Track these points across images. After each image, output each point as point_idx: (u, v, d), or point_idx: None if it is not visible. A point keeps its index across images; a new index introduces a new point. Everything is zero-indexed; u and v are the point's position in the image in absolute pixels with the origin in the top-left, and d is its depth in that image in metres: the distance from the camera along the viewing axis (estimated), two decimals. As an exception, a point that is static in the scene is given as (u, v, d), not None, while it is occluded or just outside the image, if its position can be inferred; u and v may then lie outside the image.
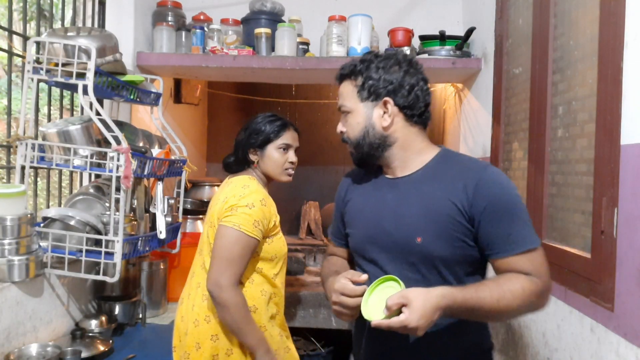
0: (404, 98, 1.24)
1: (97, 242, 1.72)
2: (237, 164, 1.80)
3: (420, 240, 1.20)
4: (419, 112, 1.26)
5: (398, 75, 1.24)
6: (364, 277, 1.18)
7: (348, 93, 1.29)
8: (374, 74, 1.25)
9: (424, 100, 1.27)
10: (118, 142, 1.69)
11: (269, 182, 1.81)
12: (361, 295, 1.15)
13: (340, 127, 1.33)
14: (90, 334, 1.77)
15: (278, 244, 1.72)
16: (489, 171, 1.21)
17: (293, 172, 1.81)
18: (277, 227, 1.73)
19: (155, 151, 2.04)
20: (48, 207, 2.15)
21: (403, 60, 1.27)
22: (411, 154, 1.28)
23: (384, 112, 1.24)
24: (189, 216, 2.83)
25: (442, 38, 2.49)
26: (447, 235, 1.18)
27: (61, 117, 2.20)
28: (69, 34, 1.77)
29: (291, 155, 1.78)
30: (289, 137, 1.77)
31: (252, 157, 1.76)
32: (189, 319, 1.68)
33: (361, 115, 1.27)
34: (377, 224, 1.28)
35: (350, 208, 1.38)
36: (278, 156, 1.75)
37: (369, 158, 1.30)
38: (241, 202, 1.61)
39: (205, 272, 1.64)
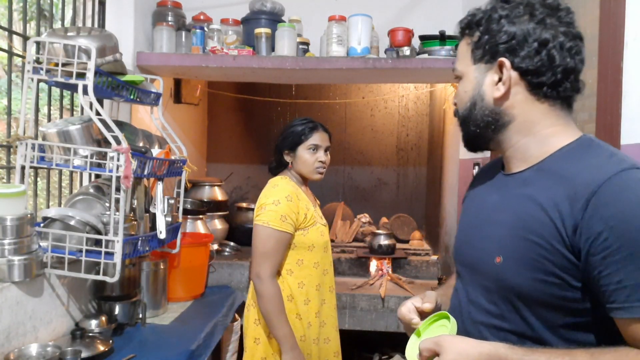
0: (528, 59, 0.88)
1: (97, 242, 1.72)
2: (277, 166, 1.98)
3: (500, 262, 0.88)
4: (552, 81, 0.88)
5: (526, 26, 0.88)
6: (427, 306, 1.02)
7: (462, 53, 0.97)
8: (494, 25, 0.90)
9: (564, 64, 0.87)
10: (118, 142, 1.69)
11: (305, 181, 1.96)
12: (414, 327, 1.01)
13: (454, 99, 1.02)
14: (90, 334, 1.77)
15: (314, 234, 1.86)
16: (621, 177, 0.79)
17: (324, 170, 1.92)
18: (311, 219, 1.86)
19: (155, 151, 2.04)
20: (48, 207, 2.14)
21: (540, 6, 0.89)
22: (532, 140, 0.92)
23: (499, 79, 0.91)
24: (189, 216, 2.84)
25: (442, 38, 2.49)
26: (533, 262, 0.83)
27: (61, 117, 2.20)
28: (69, 34, 1.77)
29: (320, 155, 1.89)
30: (317, 138, 1.89)
31: (287, 158, 1.93)
32: (246, 306, 1.92)
33: (470, 81, 0.95)
34: (469, 232, 1.02)
35: (464, 203, 1.12)
36: (308, 156, 1.88)
37: (478, 140, 0.99)
38: (268, 201, 1.79)
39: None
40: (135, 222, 1.87)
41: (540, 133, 0.92)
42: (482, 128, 0.95)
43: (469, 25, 0.96)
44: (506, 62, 0.90)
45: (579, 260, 0.80)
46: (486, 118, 0.94)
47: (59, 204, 2.16)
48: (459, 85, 0.98)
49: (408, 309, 1.04)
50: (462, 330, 0.95)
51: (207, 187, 3.25)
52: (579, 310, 0.83)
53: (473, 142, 1.01)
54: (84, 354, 1.61)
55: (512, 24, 0.89)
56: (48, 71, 1.69)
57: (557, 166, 0.88)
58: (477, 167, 2.58)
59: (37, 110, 1.91)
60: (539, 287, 0.83)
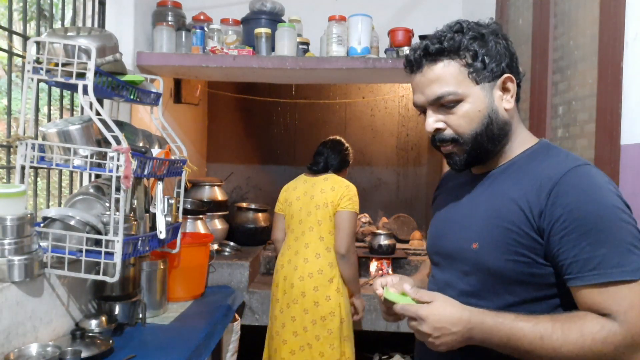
0: (518, 73, 1.03)
1: (97, 242, 1.72)
2: (338, 168, 2.57)
3: (476, 247, 1.01)
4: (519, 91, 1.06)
5: (506, 45, 1.02)
6: (407, 287, 1.07)
7: (454, 75, 1.00)
8: (486, 47, 0.99)
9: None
10: (118, 142, 1.68)
11: None
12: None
13: (435, 124, 1.03)
14: (90, 334, 1.77)
15: None
16: (577, 171, 0.94)
17: None
18: None
19: (155, 151, 2.04)
20: (48, 207, 2.14)
21: (500, 30, 1.04)
22: (512, 144, 1.05)
23: (504, 93, 1.02)
24: (189, 216, 2.83)
25: (442, 38, 2.49)
26: (506, 245, 0.97)
27: (61, 117, 2.20)
28: (69, 34, 1.77)
29: None
30: None
31: (346, 170, 2.64)
32: (309, 268, 2.39)
33: (481, 100, 1.00)
34: (444, 225, 1.14)
35: (435, 204, 1.25)
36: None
37: (483, 156, 1.05)
38: (351, 193, 2.43)
39: (321, 241, 2.42)
40: (135, 222, 1.87)
41: (518, 137, 1.06)
42: (494, 142, 1.03)
43: (458, 47, 1.00)
44: (512, 77, 1.02)
45: (543, 240, 0.94)
46: (499, 131, 1.02)
47: (59, 204, 2.16)
48: (462, 108, 1.00)
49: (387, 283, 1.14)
50: None
51: (207, 187, 3.25)
52: (545, 285, 0.96)
53: (476, 160, 1.05)
54: (84, 354, 1.60)
55: (497, 43, 1.01)
56: (48, 71, 1.69)
57: (524, 165, 1.03)
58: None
59: (37, 110, 1.91)
60: (510, 266, 0.97)
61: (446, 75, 1.00)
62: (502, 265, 0.97)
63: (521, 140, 1.06)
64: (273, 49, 2.58)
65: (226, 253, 3.05)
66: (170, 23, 2.62)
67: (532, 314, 0.94)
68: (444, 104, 1.01)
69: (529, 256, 0.95)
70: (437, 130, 1.03)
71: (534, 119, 1.88)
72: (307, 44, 2.64)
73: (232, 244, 3.16)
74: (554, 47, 1.77)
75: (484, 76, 1.00)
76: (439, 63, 1.00)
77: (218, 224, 3.19)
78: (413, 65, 1.04)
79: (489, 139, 1.02)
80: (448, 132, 1.03)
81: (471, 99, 1.00)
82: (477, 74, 0.99)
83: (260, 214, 3.43)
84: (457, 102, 1.00)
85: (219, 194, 3.28)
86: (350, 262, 2.39)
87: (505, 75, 1.01)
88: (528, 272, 0.96)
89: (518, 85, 1.04)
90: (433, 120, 1.03)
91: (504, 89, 1.02)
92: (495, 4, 2.33)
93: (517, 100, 1.06)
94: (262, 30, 2.55)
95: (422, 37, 2.59)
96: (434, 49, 1.00)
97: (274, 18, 2.64)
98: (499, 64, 1.00)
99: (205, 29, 2.58)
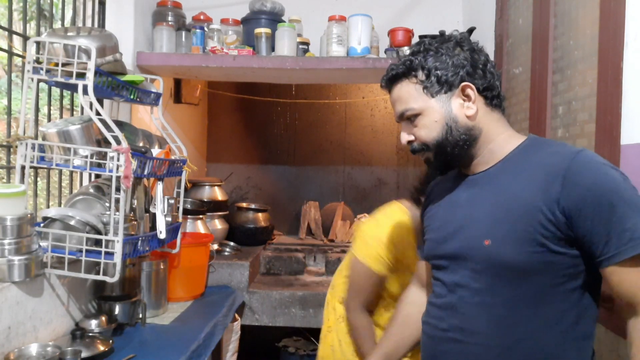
0: (482, 79, 1.08)
1: (97, 242, 1.72)
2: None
3: (489, 244, 1.03)
4: (497, 93, 1.10)
5: (466, 55, 1.08)
6: None
7: (410, 93, 1.10)
8: (439, 62, 1.08)
9: (497, 79, 1.11)
10: (118, 142, 1.69)
11: None
12: None
13: (406, 137, 1.14)
14: (90, 334, 1.77)
15: None
16: (581, 155, 0.99)
17: None
18: None
19: (155, 151, 2.04)
20: (48, 207, 2.15)
21: (463, 40, 1.10)
22: (494, 145, 1.10)
23: (465, 100, 1.08)
24: (189, 216, 2.83)
25: (442, 38, 2.49)
26: (518, 238, 1.00)
27: (61, 117, 2.20)
28: (69, 34, 1.77)
29: None
30: None
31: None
32: None
33: (437, 111, 1.08)
34: (447, 228, 1.14)
35: (427, 213, 1.26)
36: None
37: (453, 160, 1.13)
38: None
39: None
40: (135, 222, 1.87)
41: (498, 138, 1.11)
42: (460, 147, 1.09)
43: (409, 69, 1.10)
44: (470, 84, 1.07)
45: (569, 228, 0.96)
46: (463, 137, 1.09)
47: (59, 204, 2.16)
48: (421, 120, 1.11)
49: None
50: (454, 311, 1.10)
51: (207, 187, 3.25)
52: (559, 272, 1.00)
53: (449, 164, 1.14)
54: (84, 354, 1.60)
55: (453, 56, 1.08)
56: (48, 71, 1.69)
57: (520, 160, 1.07)
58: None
59: (37, 110, 1.91)
60: (525, 258, 0.99)
61: (404, 94, 1.12)
62: (516, 258, 1.00)
63: (506, 138, 1.11)
64: (273, 49, 2.58)
65: (226, 253, 3.05)
66: (170, 23, 2.62)
67: (543, 303, 1.01)
68: (408, 118, 1.13)
69: (544, 245, 0.98)
70: (409, 142, 1.15)
71: (534, 119, 1.88)
72: (307, 44, 2.65)
73: (232, 244, 3.16)
74: (554, 47, 1.77)
75: (437, 89, 1.08)
76: (397, 85, 1.13)
77: (218, 224, 3.19)
78: (385, 88, 1.17)
79: (452, 145, 1.09)
80: (416, 143, 1.13)
81: (427, 112, 1.09)
82: (431, 88, 1.08)
83: (260, 214, 3.43)
84: (416, 116, 1.11)
85: (219, 194, 3.28)
86: None
87: (463, 83, 1.07)
88: (542, 261, 0.99)
89: (488, 89, 1.08)
90: (405, 134, 1.15)
91: (466, 96, 1.08)
92: (495, 4, 2.33)
93: (500, 102, 1.12)
94: (262, 30, 2.55)
95: (422, 37, 2.59)
96: (391, 75, 1.13)
97: (274, 18, 2.64)
98: (455, 74, 1.07)
99: (205, 29, 2.58)
